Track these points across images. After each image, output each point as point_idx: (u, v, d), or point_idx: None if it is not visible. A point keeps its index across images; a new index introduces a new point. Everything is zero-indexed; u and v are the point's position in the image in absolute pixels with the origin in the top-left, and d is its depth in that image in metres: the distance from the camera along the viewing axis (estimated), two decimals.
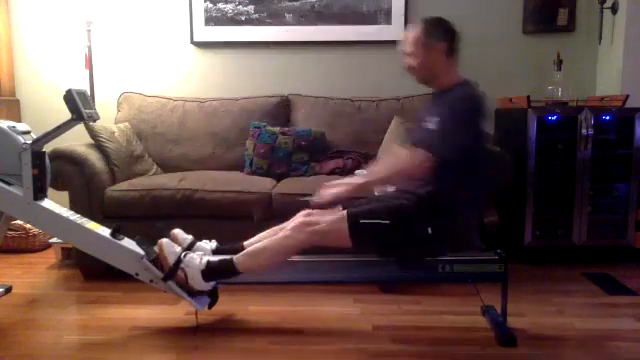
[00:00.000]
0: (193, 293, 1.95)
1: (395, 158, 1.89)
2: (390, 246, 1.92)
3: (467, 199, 1.95)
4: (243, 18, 3.29)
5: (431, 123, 1.86)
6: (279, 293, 2.35)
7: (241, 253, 1.93)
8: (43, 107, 3.31)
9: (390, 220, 1.84)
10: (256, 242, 2.00)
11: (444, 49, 1.90)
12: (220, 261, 1.92)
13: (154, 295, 2.26)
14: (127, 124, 3.02)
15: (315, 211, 1.96)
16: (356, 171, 2.73)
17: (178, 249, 1.97)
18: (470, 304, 2.17)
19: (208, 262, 1.92)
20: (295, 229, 1.88)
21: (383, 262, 2.05)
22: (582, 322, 2.07)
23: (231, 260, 1.91)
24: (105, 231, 2.04)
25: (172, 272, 1.92)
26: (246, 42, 3.31)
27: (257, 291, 2.36)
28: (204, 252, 2.01)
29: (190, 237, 2.08)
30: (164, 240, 1.96)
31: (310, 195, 1.97)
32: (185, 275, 1.92)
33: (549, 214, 2.79)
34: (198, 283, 1.92)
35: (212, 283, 1.94)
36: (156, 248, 1.96)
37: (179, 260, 1.92)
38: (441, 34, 1.91)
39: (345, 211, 1.89)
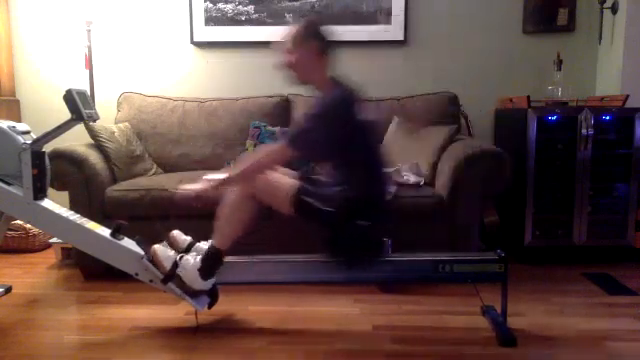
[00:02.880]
0: (193, 294, 1.96)
1: (254, 153, 1.93)
2: (331, 238, 1.95)
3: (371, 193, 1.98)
4: (243, 18, 3.29)
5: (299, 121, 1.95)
6: (279, 293, 2.35)
7: (214, 232, 1.96)
8: (43, 107, 3.32)
9: (332, 208, 1.88)
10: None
11: (316, 48, 1.94)
12: (206, 252, 1.95)
13: (154, 295, 2.26)
14: (127, 124, 3.02)
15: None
16: None
17: (172, 253, 1.98)
18: (470, 304, 2.17)
19: (201, 259, 1.94)
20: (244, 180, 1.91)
21: (383, 262, 2.05)
22: (582, 322, 2.07)
23: (211, 244, 1.94)
24: (105, 231, 2.04)
25: (170, 277, 1.93)
26: (246, 42, 3.31)
27: (257, 291, 2.36)
28: (199, 252, 2.01)
29: (189, 238, 2.08)
30: (157, 247, 1.98)
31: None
32: (183, 278, 1.92)
33: (549, 214, 2.79)
34: (197, 283, 1.92)
35: (211, 281, 1.95)
36: (151, 256, 1.96)
37: (175, 264, 1.93)
38: (313, 34, 1.95)
39: (297, 182, 1.94)
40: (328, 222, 1.91)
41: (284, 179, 1.96)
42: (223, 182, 1.90)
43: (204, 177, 1.94)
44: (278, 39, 2.00)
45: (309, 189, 1.93)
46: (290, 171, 2.05)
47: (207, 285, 1.94)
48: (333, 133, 1.86)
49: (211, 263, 1.94)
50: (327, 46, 1.96)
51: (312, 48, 1.93)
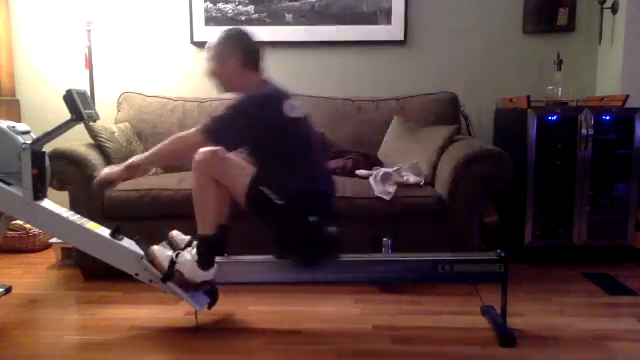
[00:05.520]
0: (197, 287, 1.96)
1: (170, 138, 1.93)
2: (281, 234, 1.96)
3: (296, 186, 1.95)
4: (243, 18, 3.29)
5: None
6: (279, 293, 2.35)
7: (197, 224, 1.96)
8: (43, 107, 3.31)
9: (284, 201, 1.87)
10: None
11: (238, 60, 1.96)
12: (197, 244, 1.95)
13: (154, 295, 2.26)
14: (127, 124, 3.02)
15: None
16: (357, 171, 2.75)
17: (170, 252, 1.98)
18: (470, 304, 2.17)
19: (196, 252, 1.94)
20: (202, 163, 1.89)
21: (383, 262, 2.05)
22: (582, 322, 2.07)
23: (198, 234, 1.94)
24: (105, 231, 2.04)
25: (169, 275, 1.93)
26: None
27: (257, 291, 2.36)
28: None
29: (188, 237, 2.08)
30: (155, 247, 1.99)
31: None
32: (183, 273, 1.92)
33: (549, 214, 2.79)
34: (197, 275, 1.93)
35: (213, 271, 1.95)
36: (150, 257, 1.96)
37: (172, 262, 1.93)
38: (234, 46, 1.97)
39: (253, 170, 1.92)
40: (277, 216, 1.91)
41: (245, 165, 1.94)
42: (131, 165, 1.92)
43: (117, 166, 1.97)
44: (207, 47, 2.03)
45: (266, 177, 1.91)
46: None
47: (209, 275, 1.94)
48: (252, 127, 1.86)
49: (205, 251, 1.93)
50: (249, 55, 1.98)
51: (233, 60, 1.96)
